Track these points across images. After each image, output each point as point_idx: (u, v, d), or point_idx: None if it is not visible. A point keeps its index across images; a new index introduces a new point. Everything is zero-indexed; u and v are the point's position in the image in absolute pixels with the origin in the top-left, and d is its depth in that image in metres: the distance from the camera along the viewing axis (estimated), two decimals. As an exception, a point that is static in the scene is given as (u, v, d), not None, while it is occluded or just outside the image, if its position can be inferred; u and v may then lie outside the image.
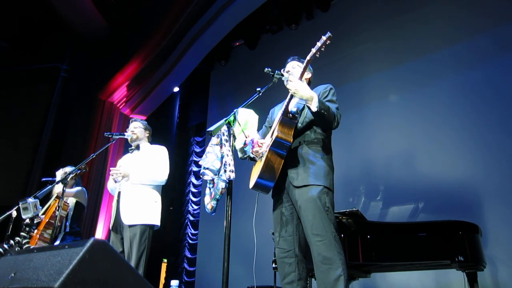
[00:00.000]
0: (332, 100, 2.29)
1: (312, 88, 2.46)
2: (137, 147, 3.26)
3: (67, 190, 3.81)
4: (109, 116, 6.79)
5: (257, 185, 2.17)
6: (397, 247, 3.08)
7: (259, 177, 2.13)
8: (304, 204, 2.11)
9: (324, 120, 2.15)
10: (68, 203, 3.75)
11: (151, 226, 3.01)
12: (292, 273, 2.16)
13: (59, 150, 6.39)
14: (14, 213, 3.31)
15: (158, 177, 3.10)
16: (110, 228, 3.10)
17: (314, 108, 2.07)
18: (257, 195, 2.32)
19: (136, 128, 3.29)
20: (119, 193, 3.09)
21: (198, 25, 6.11)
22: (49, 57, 7.07)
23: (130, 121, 3.40)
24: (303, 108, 2.31)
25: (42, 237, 3.46)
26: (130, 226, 2.94)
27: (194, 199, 7.75)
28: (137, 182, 3.04)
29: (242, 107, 2.30)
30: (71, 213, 3.85)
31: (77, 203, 3.93)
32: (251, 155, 2.29)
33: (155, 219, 3.04)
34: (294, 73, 2.37)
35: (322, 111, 2.07)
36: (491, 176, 4.16)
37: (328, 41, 2.13)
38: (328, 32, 2.12)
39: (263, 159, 2.15)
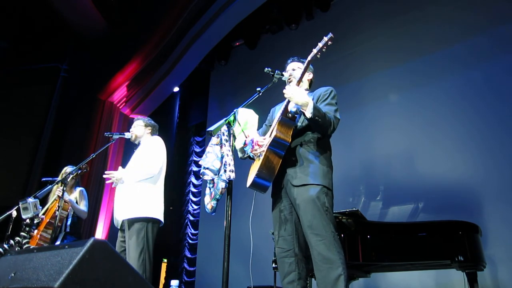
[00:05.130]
0: (331, 103, 2.28)
1: (313, 90, 2.47)
2: (139, 144, 3.26)
3: (71, 198, 3.82)
4: (109, 116, 6.79)
5: (254, 184, 2.17)
6: (397, 247, 3.08)
7: (257, 175, 2.13)
8: (303, 204, 2.11)
9: (318, 126, 2.15)
10: (68, 202, 3.74)
11: (151, 220, 2.91)
12: (292, 273, 2.16)
13: (59, 150, 6.38)
14: (14, 213, 3.31)
15: (149, 170, 2.99)
16: (118, 227, 3.08)
17: (308, 114, 2.08)
18: (254, 194, 2.32)
19: (135, 128, 3.28)
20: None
21: (198, 25, 6.11)
22: (49, 57, 7.07)
23: (134, 120, 3.38)
24: (303, 108, 2.31)
25: (42, 237, 3.46)
26: (128, 222, 2.90)
27: (194, 199, 7.75)
28: (132, 182, 3.00)
29: (242, 107, 2.30)
30: (72, 213, 3.85)
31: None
32: (251, 155, 2.29)
33: (152, 212, 2.92)
34: (295, 75, 2.37)
35: (316, 118, 2.08)
36: (491, 176, 4.16)
37: (330, 42, 2.13)
38: (330, 33, 2.12)
39: (261, 158, 2.15)
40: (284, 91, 2.17)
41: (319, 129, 2.20)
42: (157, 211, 2.99)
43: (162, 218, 3.03)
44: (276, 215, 2.29)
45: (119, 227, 3.05)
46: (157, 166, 3.04)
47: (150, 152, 3.09)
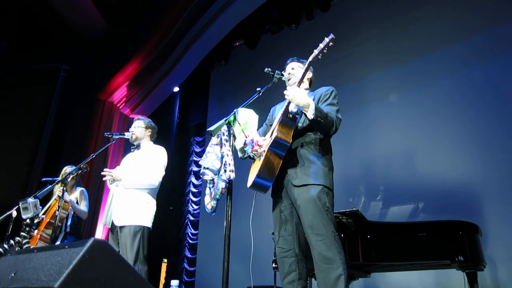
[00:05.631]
0: (332, 103, 2.29)
1: (313, 89, 2.47)
2: (138, 146, 3.24)
3: (71, 199, 3.81)
4: (109, 116, 6.79)
5: (255, 184, 2.17)
6: (397, 247, 3.08)
7: (257, 176, 2.13)
8: (304, 203, 2.11)
9: (321, 127, 2.16)
10: (68, 203, 3.74)
11: (143, 228, 2.95)
12: (293, 273, 2.16)
13: (59, 150, 6.38)
14: (14, 213, 3.31)
15: (149, 181, 3.03)
16: (108, 226, 3.08)
17: (310, 115, 2.08)
18: (254, 194, 2.32)
19: (136, 128, 3.26)
20: (113, 194, 3.09)
21: (198, 25, 6.10)
22: (49, 57, 7.07)
23: (134, 120, 3.37)
24: (304, 109, 2.31)
25: (42, 237, 3.46)
26: (121, 227, 2.93)
27: (194, 199, 7.74)
28: (129, 187, 3.01)
29: (242, 107, 2.30)
30: (72, 213, 3.85)
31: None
32: (251, 155, 2.29)
33: (145, 221, 2.97)
34: (295, 75, 2.37)
35: (319, 118, 2.08)
36: (491, 176, 4.16)
37: (331, 43, 2.13)
38: (331, 34, 2.12)
39: (262, 158, 2.15)
40: (285, 92, 2.17)
41: (322, 130, 2.20)
42: (150, 219, 3.05)
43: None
44: (276, 216, 2.29)
45: (109, 226, 3.06)
46: (158, 180, 3.09)
47: (155, 164, 3.11)
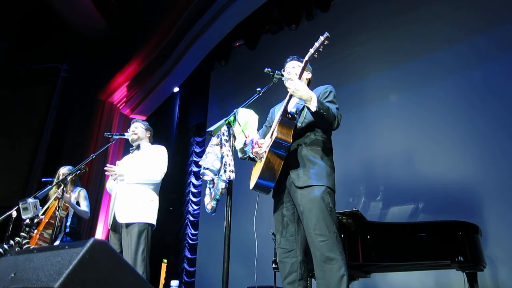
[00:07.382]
0: (332, 101, 2.29)
1: (311, 89, 2.47)
2: (138, 147, 3.26)
3: (71, 200, 3.80)
4: (109, 116, 6.79)
5: (257, 186, 2.17)
6: (397, 247, 3.08)
7: (260, 177, 2.13)
8: (308, 204, 2.10)
9: (323, 120, 2.14)
10: (68, 203, 3.74)
11: (149, 225, 2.98)
12: (294, 273, 2.15)
13: (59, 150, 6.39)
14: (14, 213, 3.31)
15: (152, 176, 3.07)
16: (109, 227, 3.09)
17: (313, 108, 2.07)
18: (257, 195, 2.32)
19: (137, 128, 3.29)
20: (116, 192, 3.10)
21: (198, 25, 6.11)
22: (49, 57, 7.07)
23: (132, 121, 3.41)
24: (303, 108, 2.30)
25: (42, 237, 3.46)
26: (127, 225, 2.93)
27: (194, 199, 7.74)
28: (131, 182, 3.03)
29: (242, 107, 2.30)
30: (71, 213, 3.84)
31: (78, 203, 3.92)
32: (251, 155, 2.29)
33: (151, 218, 3.01)
34: (293, 73, 2.37)
35: (321, 111, 2.07)
36: (491, 176, 4.16)
37: (326, 41, 2.12)
38: (326, 32, 2.11)
39: (263, 160, 2.15)
40: (287, 84, 2.17)
41: (324, 123, 2.19)
42: (155, 217, 3.08)
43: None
44: (278, 217, 2.28)
45: (109, 227, 3.06)
46: (160, 174, 3.12)
47: (156, 159, 3.15)
